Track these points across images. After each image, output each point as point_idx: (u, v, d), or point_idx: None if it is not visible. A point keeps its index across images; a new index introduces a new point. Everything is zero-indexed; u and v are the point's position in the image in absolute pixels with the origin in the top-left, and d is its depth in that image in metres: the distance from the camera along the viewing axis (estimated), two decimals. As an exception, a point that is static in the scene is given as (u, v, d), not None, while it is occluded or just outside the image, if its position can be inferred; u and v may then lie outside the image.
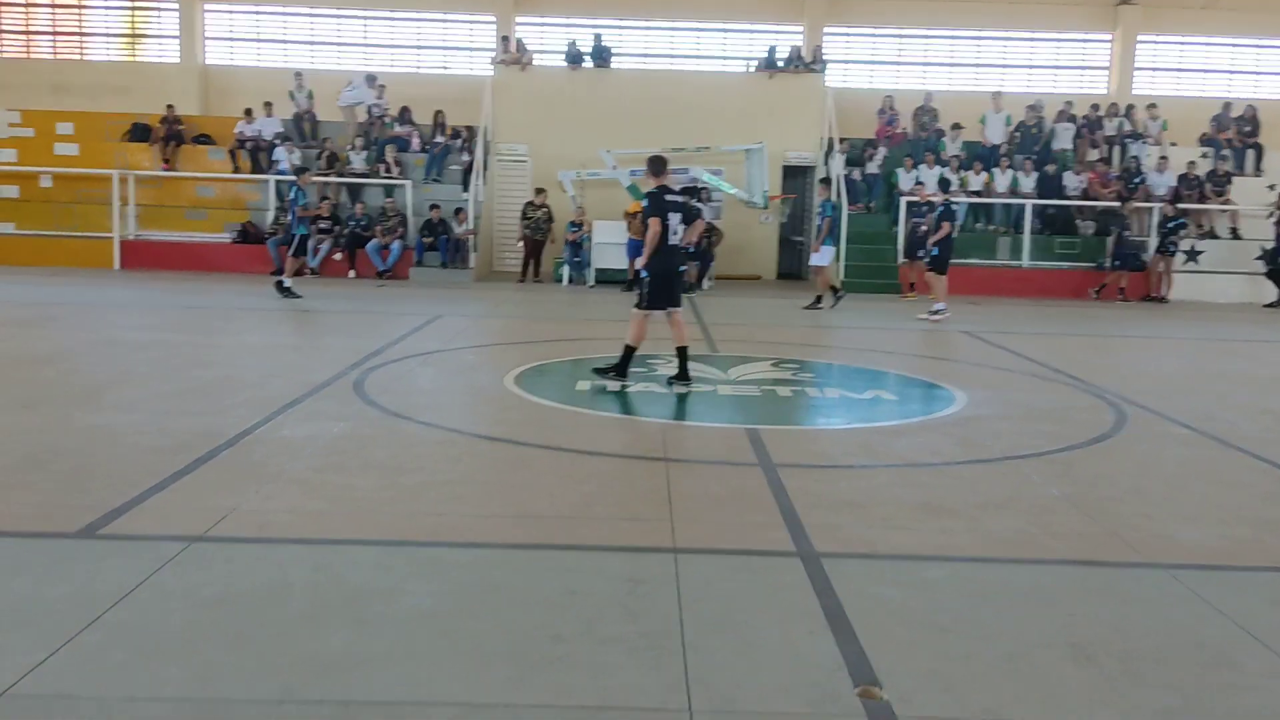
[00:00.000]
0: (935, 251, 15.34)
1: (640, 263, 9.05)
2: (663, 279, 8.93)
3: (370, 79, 21.67)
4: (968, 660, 3.74)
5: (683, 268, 9.35)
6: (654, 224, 8.76)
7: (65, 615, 3.85)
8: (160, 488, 5.49)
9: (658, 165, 9.10)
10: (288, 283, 14.87)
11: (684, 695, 3.42)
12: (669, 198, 8.87)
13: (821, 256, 16.31)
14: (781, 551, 4.84)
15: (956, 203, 14.55)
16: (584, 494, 5.70)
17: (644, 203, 9.03)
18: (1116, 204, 19.59)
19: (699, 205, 9.05)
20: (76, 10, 23.99)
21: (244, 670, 3.48)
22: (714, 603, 4.19)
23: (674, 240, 8.87)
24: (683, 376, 8.87)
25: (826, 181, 17.25)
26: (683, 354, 8.97)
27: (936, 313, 14.88)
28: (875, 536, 5.14)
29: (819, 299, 16.09)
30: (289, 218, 15.96)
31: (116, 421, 7.02)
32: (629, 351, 8.86)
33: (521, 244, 19.39)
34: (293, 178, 19.66)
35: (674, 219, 8.83)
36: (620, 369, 8.86)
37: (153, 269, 19.19)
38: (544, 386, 8.89)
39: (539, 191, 19.37)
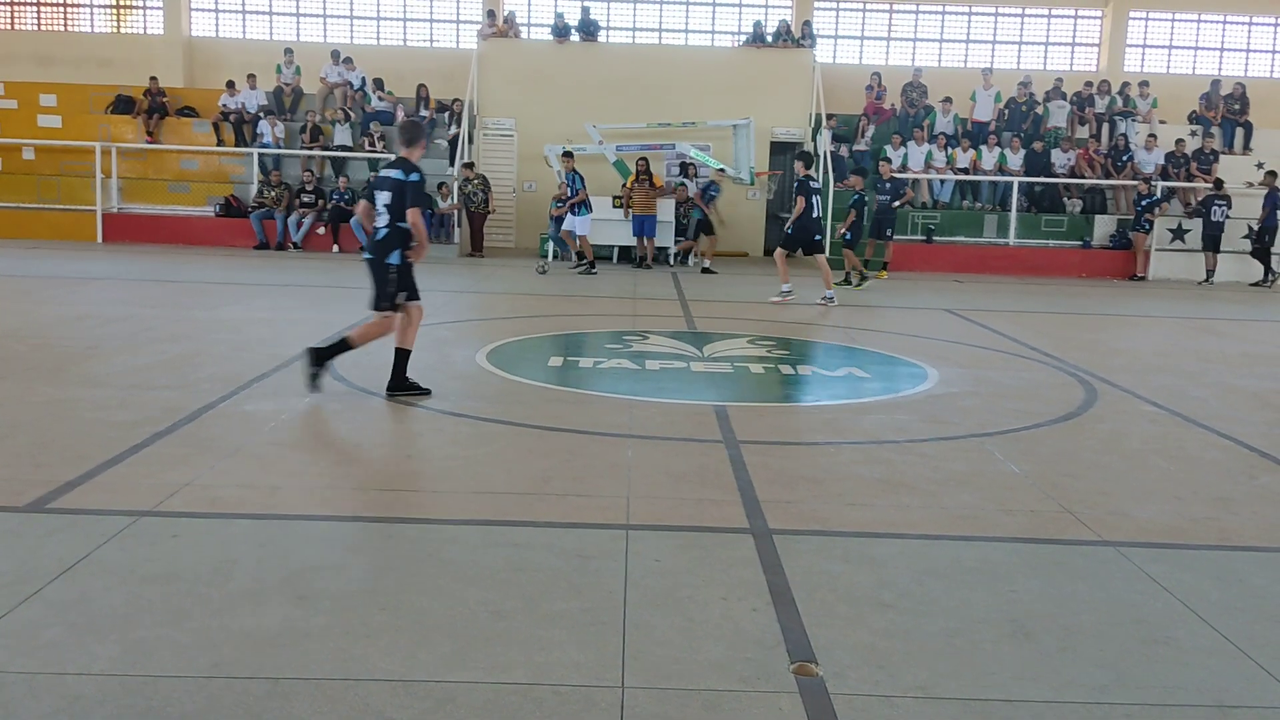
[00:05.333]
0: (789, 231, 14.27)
1: None
2: None
3: (335, 55, 21.49)
4: (907, 637, 3.74)
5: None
6: None
7: (3, 590, 3.83)
8: (115, 462, 5.47)
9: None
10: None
11: (618, 672, 3.41)
12: None
13: (576, 224, 17.29)
14: (734, 528, 4.84)
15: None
16: (542, 470, 5.68)
17: None
18: (1109, 182, 19.50)
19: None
20: (60, -19, 23.76)
21: (178, 647, 3.46)
22: (660, 579, 4.19)
23: None
24: None
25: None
26: None
27: (785, 294, 13.70)
28: (830, 513, 5.14)
29: (591, 264, 17.19)
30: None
31: (79, 396, 6.99)
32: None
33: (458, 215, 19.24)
34: (278, 151, 19.65)
35: None
36: None
37: (136, 242, 19.08)
38: (516, 362, 8.86)
39: (468, 165, 19.26)
